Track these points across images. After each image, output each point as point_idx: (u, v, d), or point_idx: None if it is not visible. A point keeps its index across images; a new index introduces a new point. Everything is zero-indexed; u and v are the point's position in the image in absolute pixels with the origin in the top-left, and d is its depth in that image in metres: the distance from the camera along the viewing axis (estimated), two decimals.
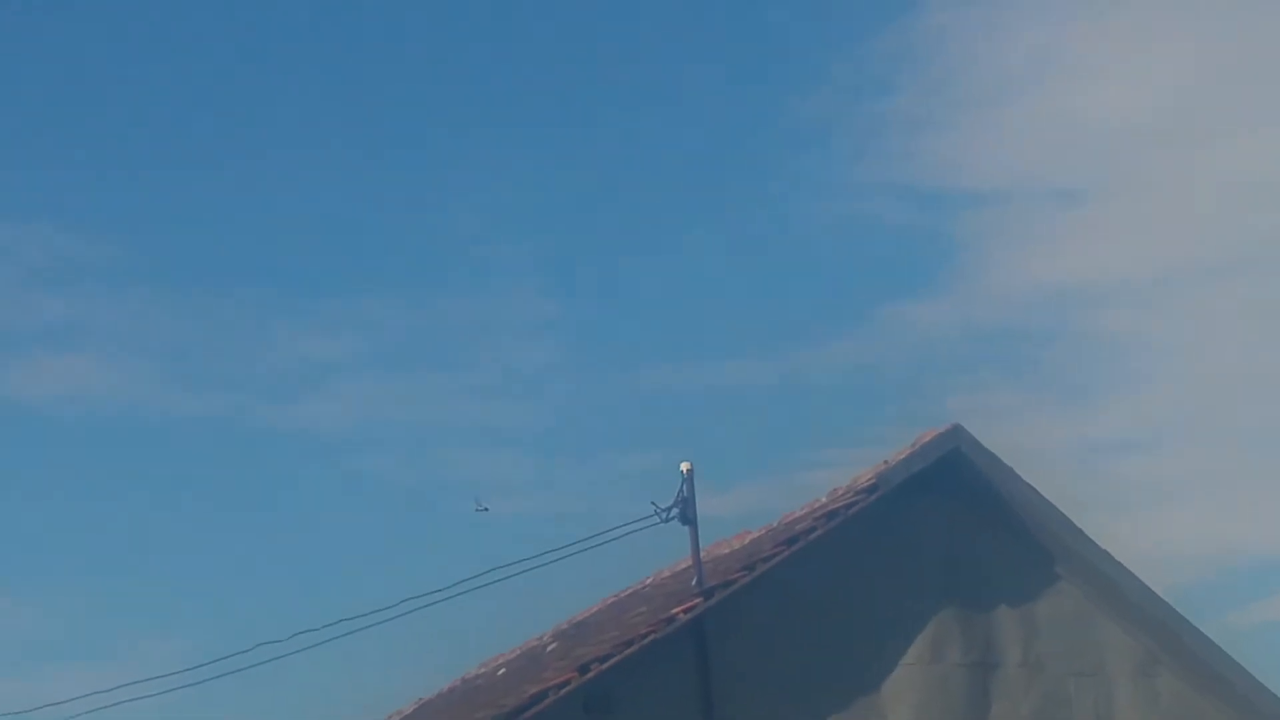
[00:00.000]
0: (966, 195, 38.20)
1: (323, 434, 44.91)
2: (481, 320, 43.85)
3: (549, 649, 17.43)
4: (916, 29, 38.34)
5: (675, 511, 14.53)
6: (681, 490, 14.51)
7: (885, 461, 15.16)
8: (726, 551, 16.28)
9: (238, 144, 44.13)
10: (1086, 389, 36.42)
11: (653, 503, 14.52)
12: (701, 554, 14.77)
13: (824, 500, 15.25)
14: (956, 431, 15.35)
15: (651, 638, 13.75)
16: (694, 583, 14.33)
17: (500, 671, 18.25)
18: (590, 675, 13.49)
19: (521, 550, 15.97)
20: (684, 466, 14.53)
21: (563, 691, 13.40)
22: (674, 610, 14.08)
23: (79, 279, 46.79)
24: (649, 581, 18.00)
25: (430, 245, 45.17)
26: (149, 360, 47.77)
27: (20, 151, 43.80)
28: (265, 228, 45.63)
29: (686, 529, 14.61)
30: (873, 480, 14.85)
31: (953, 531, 15.36)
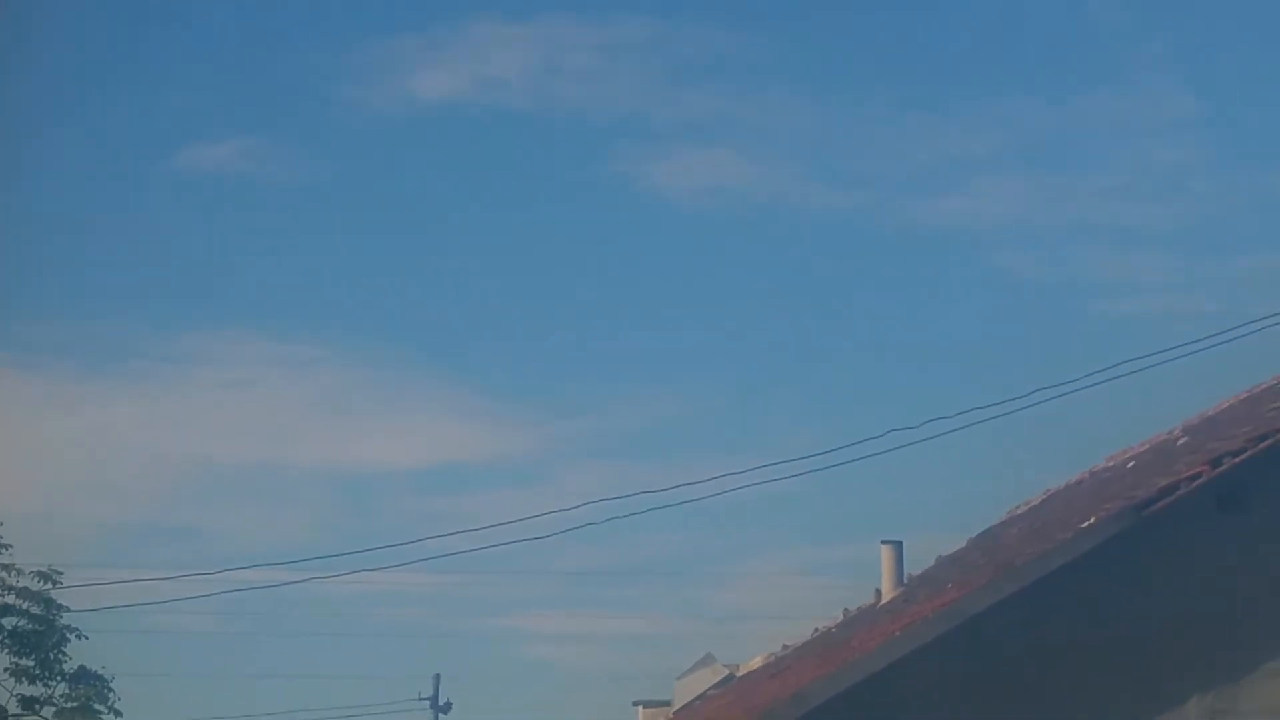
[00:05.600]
0: None
1: (964, 230, 45.16)
2: (1119, 118, 43.14)
3: (1179, 443, 17.35)
4: None
5: None
6: None
7: None
8: None
9: None
10: None
11: None
12: None
13: None
14: None
15: None
16: None
17: (1129, 465, 18.30)
18: (1223, 469, 13.45)
19: (1153, 347, 16.02)
20: None
21: (1194, 485, 13.42)
22: None
23: (722, 73, 47.97)
24: None
25: (1072, 42, 44.58)
26: (789, 155, 48.78)
27: None
28: (898, 29, 45.87)
29: None
30: None
31: None
